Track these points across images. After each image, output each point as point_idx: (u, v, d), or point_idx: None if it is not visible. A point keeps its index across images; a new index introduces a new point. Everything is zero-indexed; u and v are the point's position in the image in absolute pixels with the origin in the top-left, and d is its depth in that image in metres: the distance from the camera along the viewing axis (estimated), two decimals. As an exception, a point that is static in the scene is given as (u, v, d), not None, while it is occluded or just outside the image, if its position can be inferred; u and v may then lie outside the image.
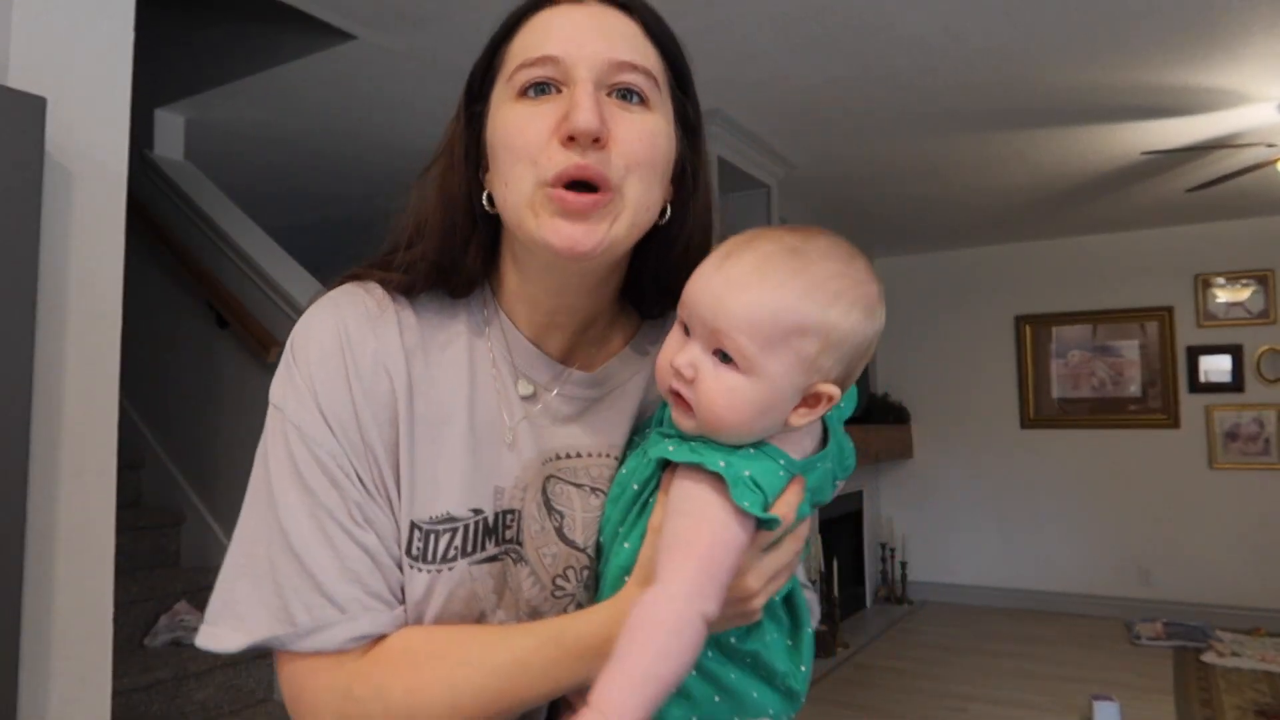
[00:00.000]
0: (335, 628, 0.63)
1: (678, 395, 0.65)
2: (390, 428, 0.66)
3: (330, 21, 2.52)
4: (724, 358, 0.62)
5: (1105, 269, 5.58)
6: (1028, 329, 5.81)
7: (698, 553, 0.59)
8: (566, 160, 0.63)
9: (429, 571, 0.65)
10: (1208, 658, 4.45)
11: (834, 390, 0.64)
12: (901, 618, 5.51)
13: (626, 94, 0.66)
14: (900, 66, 2.94)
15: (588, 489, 0.71)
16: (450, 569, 0.65)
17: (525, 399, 0.72)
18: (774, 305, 0.61)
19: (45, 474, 1.52)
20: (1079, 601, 5.51)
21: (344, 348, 0.67)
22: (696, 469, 0.62)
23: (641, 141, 0.65)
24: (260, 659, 2.73)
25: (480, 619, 0.68)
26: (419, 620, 0.66)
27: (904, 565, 5.92)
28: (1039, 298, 5.79)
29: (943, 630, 5.21)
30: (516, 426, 0.71)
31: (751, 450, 0.63)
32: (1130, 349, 5.54)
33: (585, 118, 0.62)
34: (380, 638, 0.65)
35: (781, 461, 0.64)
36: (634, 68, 0.66)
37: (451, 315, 0.73)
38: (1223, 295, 5.26)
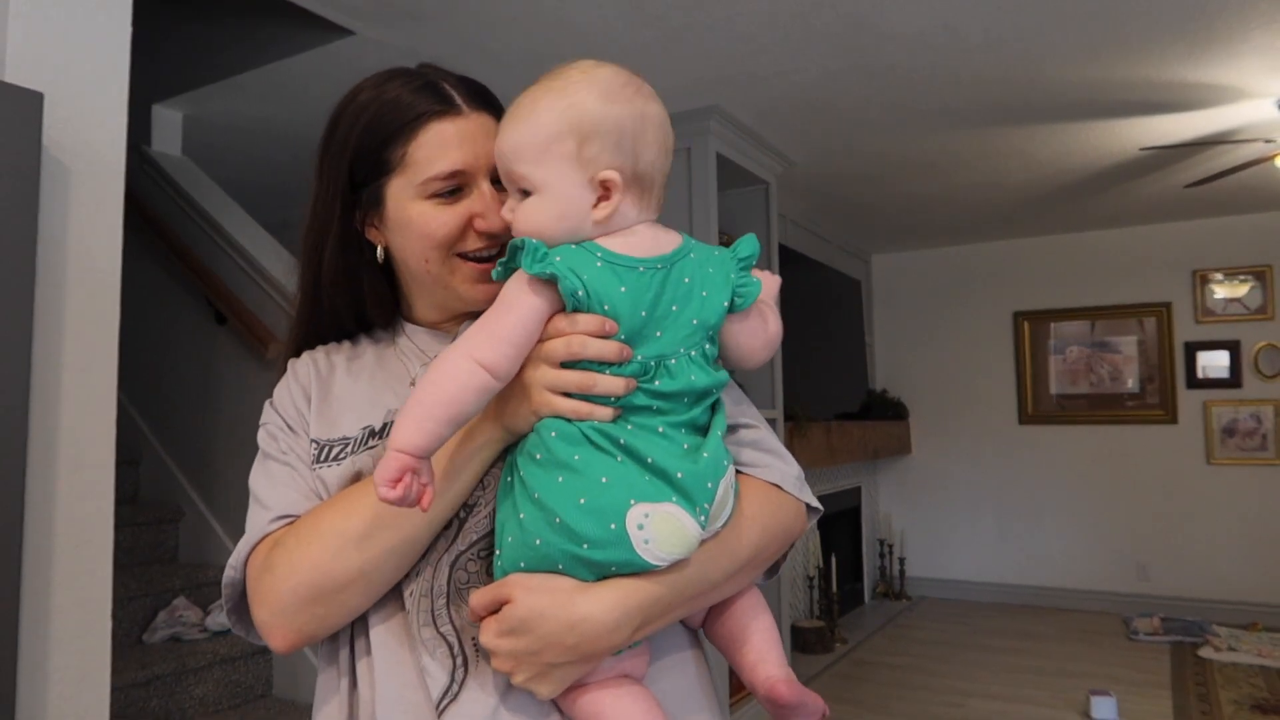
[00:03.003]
0: (264, 518, 0.82)
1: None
2: (309, 395, 0.89)
3: (328, 17, 2.52)
4: (523, 192, 0.75)
5: (1103, 265, 5.58)
6: (1026, 325, 5.82)
7: (486, 315, 0.72)
8: (480, 244, 0.85)
9: (324, 468, 0.84)
10: (1205, 653, 4.46)
11: (612, 175, 0.73)
12: (900, 613, 5.52)
13: (496, 181, 0.85)
14: (898, 62, 2.94)
15: None
16: (339, 463, 0.83)
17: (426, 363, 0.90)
18: (524, 127, 0.73)
19: (43, 470, 1.52)
20: (1077, 597, 5.53)
21: (290, 371, 0.93)
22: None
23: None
24: (259, 654, 2.73)
25: None
26: None
27: (902, 561, 5.93)
28: (1037, 294, 5.79)
29: (941, 626, 5.22)
30: (418, 376, 0.88)
31: (572, 246, 0.73)
32: (1128, 345, 5.54)
33: (500, 222, 0.82)
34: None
35: (598, 254, 0.72)
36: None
37: (373, 340, 0.95)
38: (1221, 291, 5.27)
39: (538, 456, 0.70)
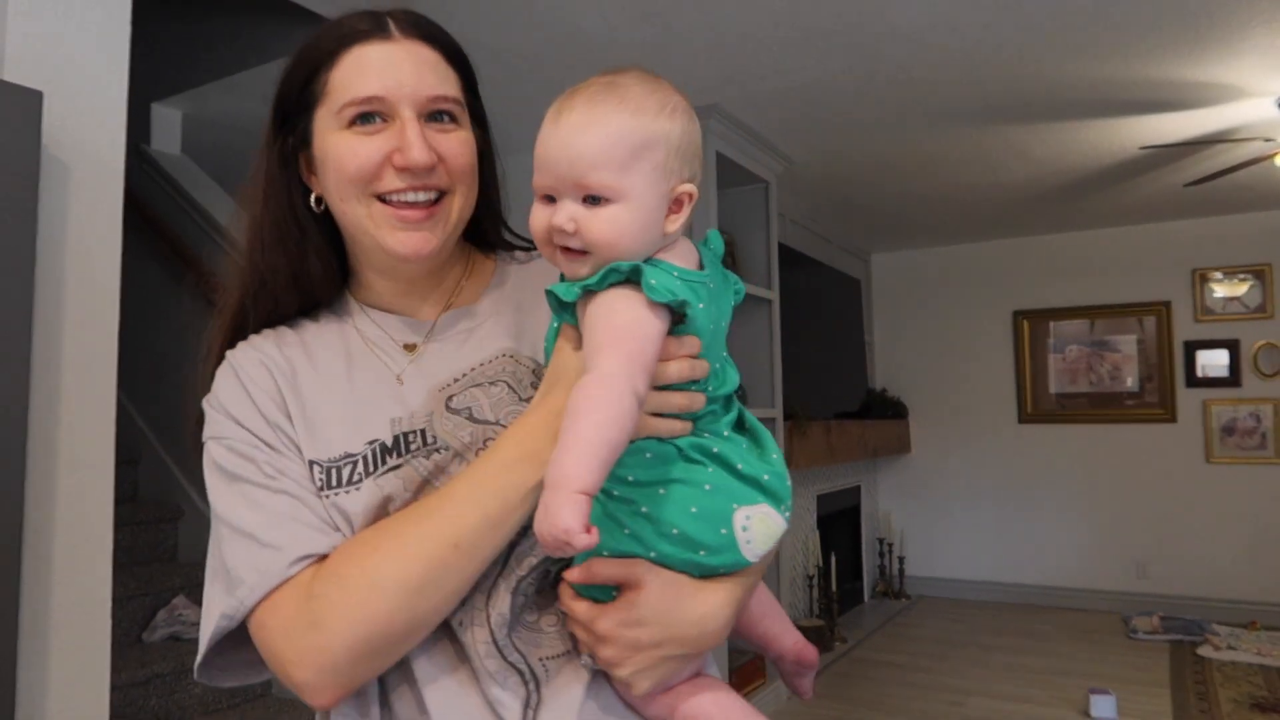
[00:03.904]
0: (278, 561, 0.70)
1: (566, 250, 0.71)
2: (280, 401, 0.78)
3: (328, 16, 2.52)
4: (593, 200, 0.70)
5: (1103, 264, 5.58)
6: (1025, 324, 5.82)
7: (622, 339, 0.66)
8: (400, 183, 0.77)
9: (339, 495, 0.74)
10: (1204, 651, 4.47)
11: (691, 188, 0.73)
12: (899, 612, 5.52)
13: (439, 115, 0.79)
14: (898, 61, 2.94)
15: (486, 384, 0.80)
16: (357, 489, 0.74)
17: (409, 354, 0.83)
18: (615, 132, 0.69)
19: (43, 469, 1.52)
20: (1076, 596, 5.53)
21: (235, 370, 0.81)
22: (609, 287, 0.69)
23: (461, 156, 0.80)
24: (259, 654, 2.73)
25: None
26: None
27: (901, 560, 5.93)
28: (1037, 293, 5.79)
29: (940, 625, 5.22)
30: (404, 372, 0.81)
31: (645, 265, 0.70)
32: (1128, 344, 5.54)
33: (418, 154, 0.75)
34: (324, 558, 0.72)
35: (675, 273, 0.71)
36: (445, 99, 0.79)
37: (324, 324, 0.86)
38: (1220, 290, 5.27)
39: (630, 479, 0.70)
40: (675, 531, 0.69)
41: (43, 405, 1.52)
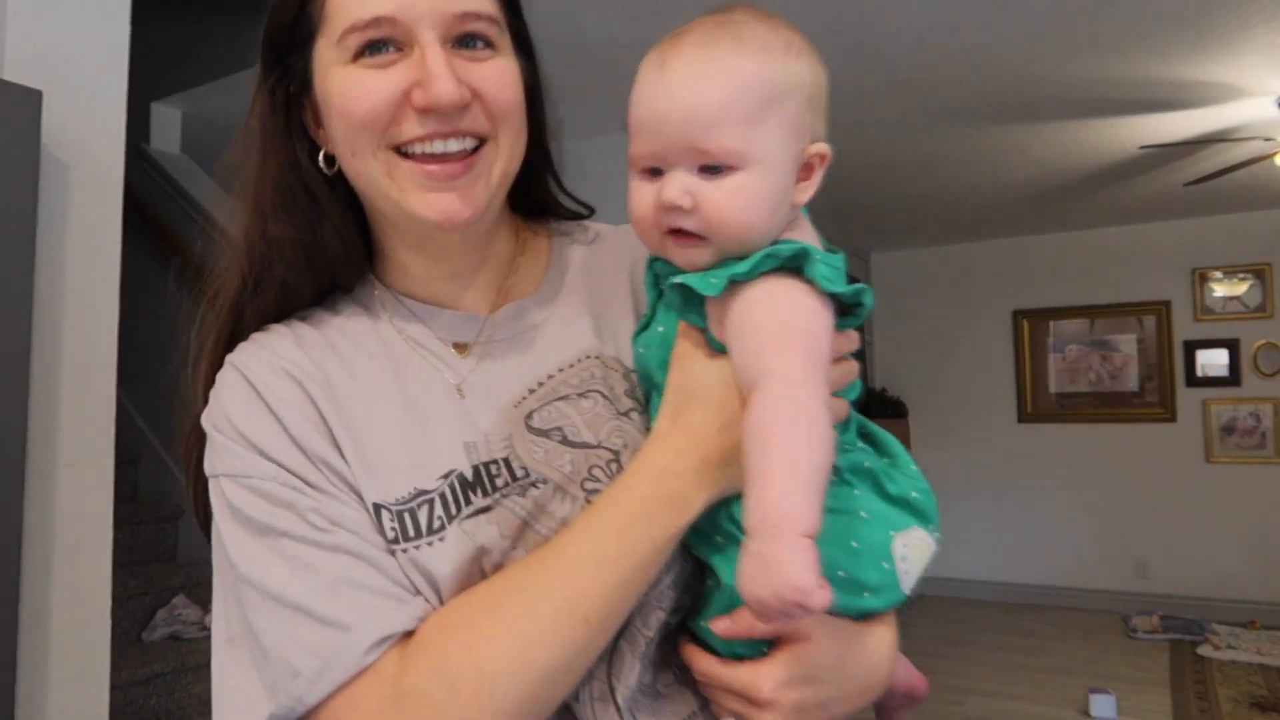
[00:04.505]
0: (348, 646, 0.54)
1: (678, 234, 0.57)
2: (322, 425, 0.61)
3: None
4: (712, 169, 0.56)
5: (1103, 263, 5.58)
6: (1025, 323, 5.81)
7: (800, 339, 0.53)
8: (423, 129, 0.59)
9: (420, 547, 0.57)
10: (1203, 651, 4.47)
11: (825, 148, 0.59)
12: (899, 611, 5.52)
13: (471, 40, 0.61)
14: (897, 62, 2.94)
15: (574, 396, 0.64)
16: (441, 539, 0.57)
17: (462, 356, 0.67)
18: (739, 80, 0.55)
19: (42, 469, 1.52)
20: (1076, 595, 5.53)
21: (249, 380, 0.62)
22: (761, 277, 0.55)
23: (504, 91, 0.62)
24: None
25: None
26: (440, 604, 0.58)
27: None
28: (1036, 292, 5.79)
29: (940, 624, 5.22)
30: (464, 383, 0.65)
31: (798, 247, 0.56)
32: (1127, 343, 5.54)
33: (444, 89, 0.57)
34: (407, 635, 0.56)
35: (818, 256, 0.56)
36: (477, 16, 0.61)
37: (349, 316, 0.68)
38: (1220, 289, 5.26)
39: None
40: (841, 574, 0.57)
41: (42, 405, 1.52)
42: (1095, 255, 5.60)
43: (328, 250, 0.66)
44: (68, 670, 1.53)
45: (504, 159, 0.63)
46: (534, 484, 0.60)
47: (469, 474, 0.60)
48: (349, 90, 0.60)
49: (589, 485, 0.60)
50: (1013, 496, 5.77)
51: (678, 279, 0.57)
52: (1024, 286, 5.83)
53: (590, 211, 0.78)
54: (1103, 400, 5.59)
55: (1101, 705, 3.55)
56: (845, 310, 0.57)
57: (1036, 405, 5.76)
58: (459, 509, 0.58)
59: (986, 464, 5.87)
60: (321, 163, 0.65)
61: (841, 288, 0.55)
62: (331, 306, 0.69)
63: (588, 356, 0.66)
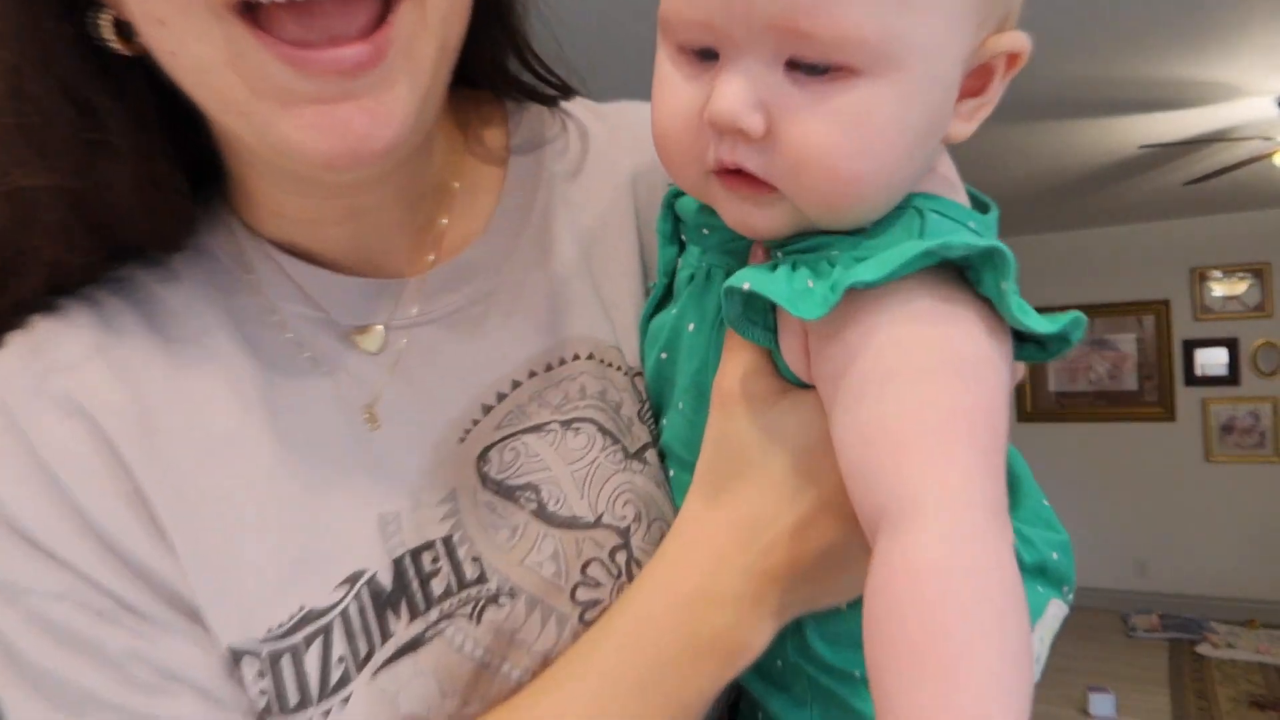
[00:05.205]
0: None
1: (732, 175, 0.34)
2: (135, 499, 0.37)
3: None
4: (811, 70, 0.32)
5: (1102, 262, 5.58)
6: (1025, 322, 5.82)
7: (971, 431, 0.32)
8: None
9: (313, 715, 0.35)
10: (1203, 649, 4.47)
11: (1019, 40, 0.37)
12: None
13: None
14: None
15: (555, 428, 0.41)
16: (343, 702, 0.35)
17: (371, 353, 0.42)
18: None
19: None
20: (1075, 594, 5.52)
21: (14, 423, 0.37)
22: (901, 282, 0.32)
23: None
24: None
25: None
26: None
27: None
28: (1035, 291, 5.75)
29: (939, 623, 5.22)
30: (377, 401, 0.40)
31: (914, 215, 0.34)
32: (1127, 342, 5.55)
33: None
34: None
35: (971, 224, 0.36)
36: None
37: (188, 292, 0.41)
38: (1219, 289, 5.27)
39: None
40: None
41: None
42: (1095, 254, 5.60)
43: (121, 205, 0.38)
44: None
45: (438, 22, 0.37)
46: (495, 597, 0.37)
47: (386, 577, 0.37)
48: None
49: (584, 597, 0.39)
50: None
51: (737, 281, 0.34)
52: (1023, 285, 5.61)
53: (570, 92, 0.52)
54: (1102, 399, 5.59)
55: (1101, 704, 3.56)
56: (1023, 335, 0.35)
57: (1036, 404, 5.76)
58: (371, 647, 0.36)
59: (986, 463, 5.87)
60: (110, 36, 0.35)
61: (1049, 326, 0.35)
62: (160, 268, 0.41)
63: (576, 356, 0.42)
